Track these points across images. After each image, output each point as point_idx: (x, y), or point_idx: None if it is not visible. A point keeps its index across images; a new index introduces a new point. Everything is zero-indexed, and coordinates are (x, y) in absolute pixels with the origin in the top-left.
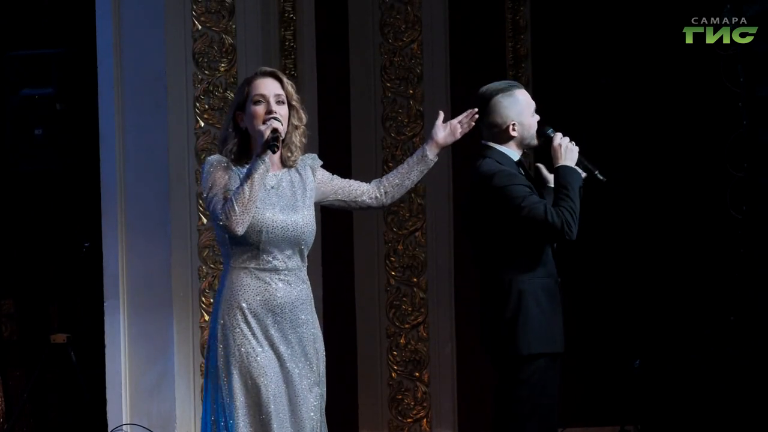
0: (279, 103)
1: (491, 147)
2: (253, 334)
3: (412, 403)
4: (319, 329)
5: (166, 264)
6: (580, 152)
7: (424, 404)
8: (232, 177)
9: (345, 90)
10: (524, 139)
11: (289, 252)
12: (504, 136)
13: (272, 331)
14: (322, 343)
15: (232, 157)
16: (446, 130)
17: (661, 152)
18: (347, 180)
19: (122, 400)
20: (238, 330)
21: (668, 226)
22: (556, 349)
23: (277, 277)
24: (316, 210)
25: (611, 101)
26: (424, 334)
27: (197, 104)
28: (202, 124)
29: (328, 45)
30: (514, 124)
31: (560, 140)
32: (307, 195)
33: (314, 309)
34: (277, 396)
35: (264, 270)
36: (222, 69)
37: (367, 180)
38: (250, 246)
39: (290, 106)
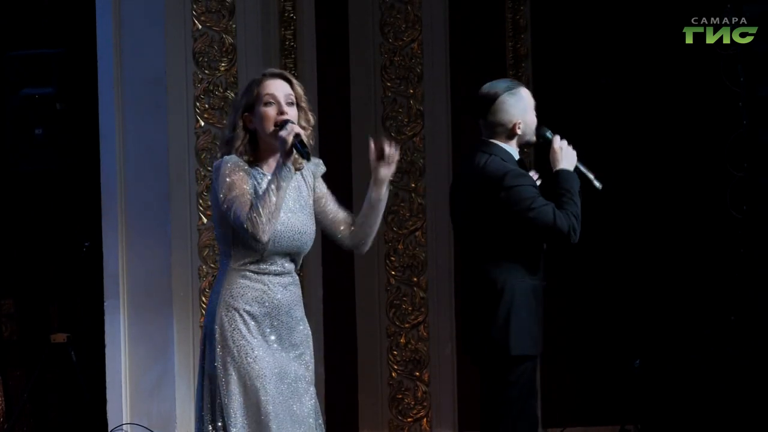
0: (289, 104)
1: (495, 144)
2: (252, 335)
3: (413, 402)
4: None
5: (166, 264)
6: (578, 157)
7: (425, 404)
8: (251, 181)
9: (345, 90)
10: (525, 136)
11: (288, 257)
12: (508, 135)
13: (270, 333)
14: (312, 343)
15: (244, 158)
16: (383, 164)
17: (661, 152)
18: (337, 206)
19: (122, 400)
20: (237, 332)
21: (668, 226)
22: (539, 351)
23: (275, 280)
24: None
25: (611, 101)
26: (425, 334)
27: (197, 104)
28: (203, 123)
29: (328, 45)
30: (519, 123)
31: (560, 143)
32: (309, 202)
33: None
34: (276, 397)
35: (263, 273)
36: (222, 69)
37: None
38: (255, 251)
39: (299, 108)
